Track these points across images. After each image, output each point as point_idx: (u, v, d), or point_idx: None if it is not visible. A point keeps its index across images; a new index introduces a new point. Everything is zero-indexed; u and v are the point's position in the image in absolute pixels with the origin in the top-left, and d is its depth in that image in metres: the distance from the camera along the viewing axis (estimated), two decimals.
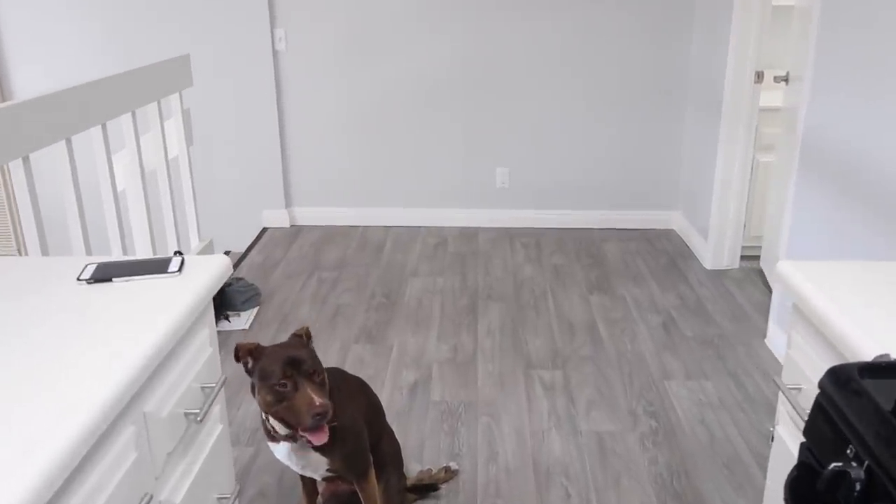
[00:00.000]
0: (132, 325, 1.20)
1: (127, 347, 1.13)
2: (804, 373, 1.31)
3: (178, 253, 3.26)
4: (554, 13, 4.28)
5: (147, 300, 1.28)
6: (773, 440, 1.45)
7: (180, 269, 1.37)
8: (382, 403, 2.76)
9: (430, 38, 4.35)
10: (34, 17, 4.33)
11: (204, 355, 1.38)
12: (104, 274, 1.35)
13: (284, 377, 1.61)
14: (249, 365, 1.69)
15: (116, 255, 2.79)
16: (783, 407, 1.42)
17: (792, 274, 1.36)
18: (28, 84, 4.43)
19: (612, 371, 2.96)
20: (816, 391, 1.27)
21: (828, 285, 1.30)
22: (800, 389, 1.32)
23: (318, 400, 1.60)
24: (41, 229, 2.28)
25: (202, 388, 1.35)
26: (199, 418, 1.27)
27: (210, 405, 1.32)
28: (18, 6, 4.32)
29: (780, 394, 1.42)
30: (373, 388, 2.86)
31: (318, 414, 1.59)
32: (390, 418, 2.65)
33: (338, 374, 2.00)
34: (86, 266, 1.38)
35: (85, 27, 4.34)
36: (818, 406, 1.06)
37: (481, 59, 4.38)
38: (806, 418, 1.23)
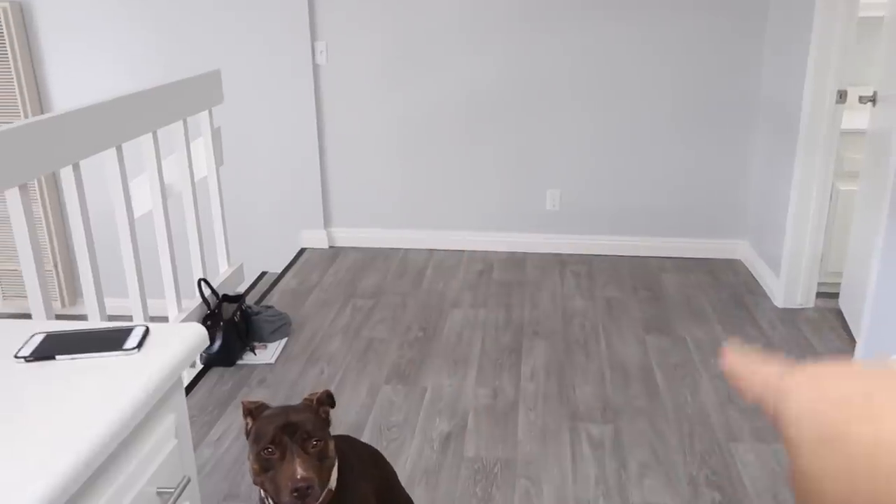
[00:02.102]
0: (67, 422, 0.96)
1: (54, 453, 0.89)
2: None
3: (196, 303, 3.06)
4: (611, 25, 3.96)
5: (92, 386, 1.05)
6: None
7: (139, 346, 1.13)
8: (411, 456, 2.50)
9: (478, 52, 4.09)
10: (71, 33, 4.23)
11: (165, 450, 1.13)
12: (48, 350, 1.12)
13: (273, 443, 1.37)
14: (248, 426, 1.47)
15: (127, 305, 2.57)
16: None
17: None
18: (64, 98, 4.33)
19: (669, 428, 2.64)
20: None
21: None
22: None
23: (300, 472, 1.34)
24: (42, 277, 2.09)
25: (158, 492, 1.10)
26: None
27: None
28: (57, 20, 4.22)
29: None
30: (402, 438, 2.60)
31: (295, 490, 1.33)
32: (418, 475, 2.39)
33: (348, 445, 1.74)
34: (31, 337, 1.16)
35: (122, 39, 4.21)
36: None
37: (532, 74, 4.09)
38: None
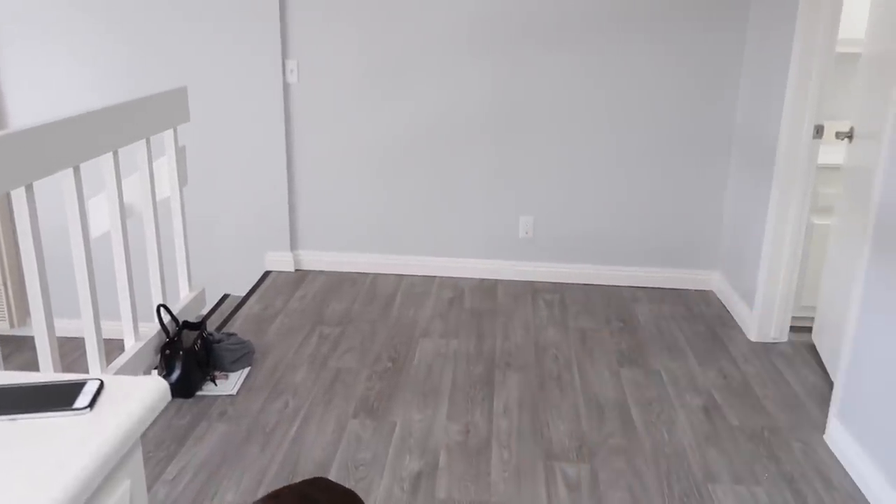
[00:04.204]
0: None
1: None
2: None
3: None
4: (587, 54, 3.93)
5: (34, 454, 0.92)
6: None
7: (91, 404, 1.01)
8: (380, 498, 2.38)
9: (453, 76, 4.02)
10: (32, 48, 4.05)
11: None
12: None
13: None
14: None
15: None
16: None
17: None
18: (22, 112, 4.15)
19: (647, 468, 2.56)
20: None
21: None
22: None
23: None
24: None
25: None
26: None
27: None
28: (16, 30, 4.04)
29: None
30: (370, 477, 2.48)
31: None
32: None
33: (320, 490, 1.63)
34: None
35: (85, 53, 4.05)
36: None
37: (508, 99, 4.03)
38: None
